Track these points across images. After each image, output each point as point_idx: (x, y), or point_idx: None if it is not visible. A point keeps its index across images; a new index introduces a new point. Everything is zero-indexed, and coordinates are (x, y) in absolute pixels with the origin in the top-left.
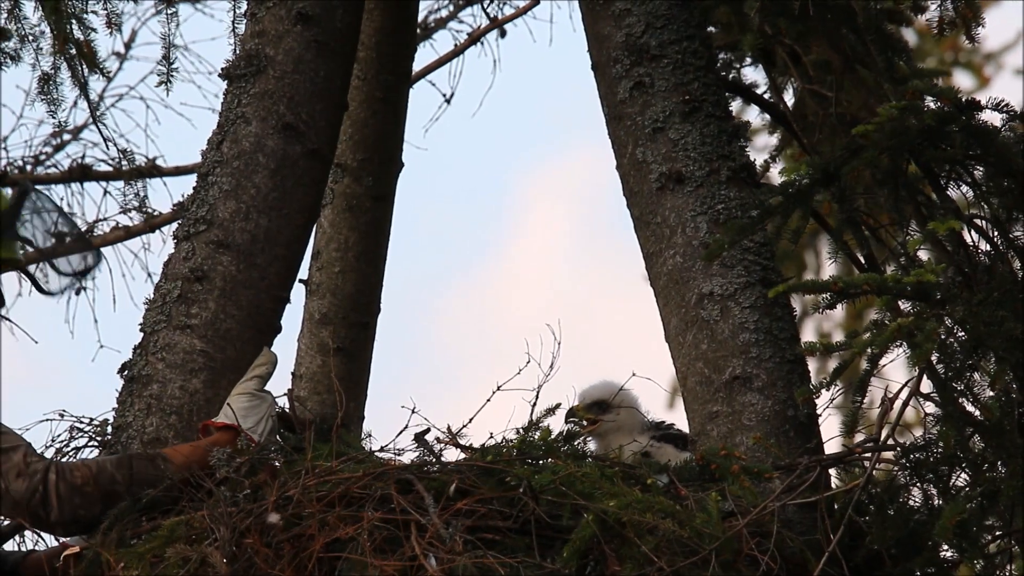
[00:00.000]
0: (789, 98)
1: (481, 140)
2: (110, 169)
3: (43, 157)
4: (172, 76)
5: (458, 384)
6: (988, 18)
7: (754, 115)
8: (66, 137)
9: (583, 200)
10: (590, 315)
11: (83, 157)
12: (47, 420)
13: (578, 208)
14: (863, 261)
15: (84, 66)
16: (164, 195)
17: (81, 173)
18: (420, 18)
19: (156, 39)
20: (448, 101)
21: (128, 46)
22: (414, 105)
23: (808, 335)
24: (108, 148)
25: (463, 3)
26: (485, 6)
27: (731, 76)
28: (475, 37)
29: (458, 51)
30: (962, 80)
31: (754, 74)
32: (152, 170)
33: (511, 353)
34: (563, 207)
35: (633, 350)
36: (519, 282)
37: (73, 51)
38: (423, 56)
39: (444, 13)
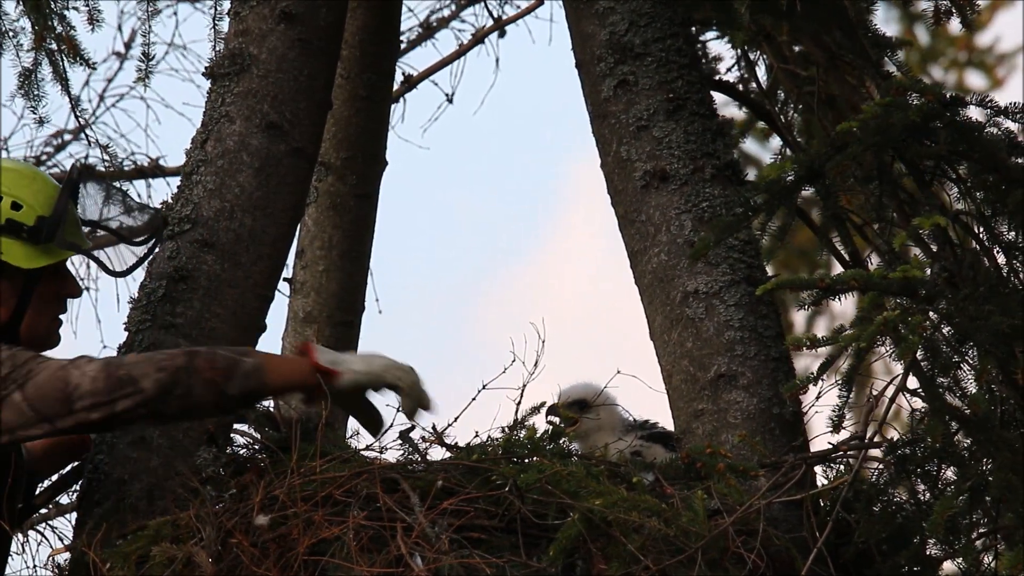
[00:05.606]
0: (761, 74)
1: (508, 139)
2: (111, 168)
3: (44, 157)
4: (150, 72)
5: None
6: (1002, 20)
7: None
8: (67, 137)
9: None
10: (613, 316)
11: (86, 157)
12: None
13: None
14: (847, 258)
15: (65, 61)
16: (168, 195)
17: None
18: (422, 18)
19: (158, 39)
20: (450, 100)
21: (128, 46)
22: (427, 102)
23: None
24: (91, 147)
25: (464, 3)
26: (489, 6)
27: (707, 51)
28: (479, 37)
29: (462, 51)
30: (975, 81)
31: (719, 47)
32: (155, 170)
33: (510, 354)
34: (595, 204)
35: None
36: (545, 283)
37: (53, 46)
38: (427, 56)
39: (446, 13)
